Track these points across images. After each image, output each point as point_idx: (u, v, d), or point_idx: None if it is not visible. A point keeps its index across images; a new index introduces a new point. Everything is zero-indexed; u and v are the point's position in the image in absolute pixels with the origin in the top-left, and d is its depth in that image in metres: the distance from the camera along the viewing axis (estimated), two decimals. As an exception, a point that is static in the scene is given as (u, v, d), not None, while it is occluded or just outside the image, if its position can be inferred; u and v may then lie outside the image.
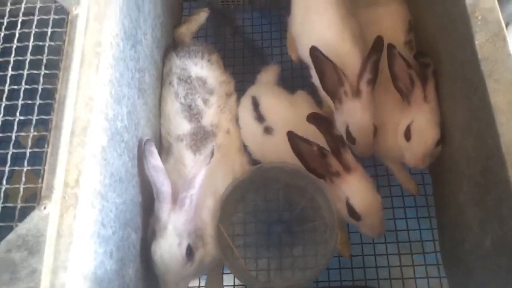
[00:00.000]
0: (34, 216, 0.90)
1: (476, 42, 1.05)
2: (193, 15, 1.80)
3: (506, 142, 0.97)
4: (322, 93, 1.47)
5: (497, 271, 1.08)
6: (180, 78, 1.54)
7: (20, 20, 1.11)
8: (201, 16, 1.79)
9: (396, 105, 1.44)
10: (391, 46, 1.38)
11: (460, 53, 1.18)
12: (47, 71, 1.06)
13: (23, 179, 0.97)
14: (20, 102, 1.03)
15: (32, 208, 0.92)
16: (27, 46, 1.08)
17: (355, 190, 1.30)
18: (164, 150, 1.50)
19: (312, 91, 1.62)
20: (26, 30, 1.10)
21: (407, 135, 1.38)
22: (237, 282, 1.51)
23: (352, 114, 1.39)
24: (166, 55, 1.64)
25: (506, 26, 1.09)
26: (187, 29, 1.75)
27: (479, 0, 1.07)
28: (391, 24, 1.58)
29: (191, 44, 1.66)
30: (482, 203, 1.13)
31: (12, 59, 1.07)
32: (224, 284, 1.51)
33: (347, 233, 1.52)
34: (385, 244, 1.53)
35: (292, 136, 1.32)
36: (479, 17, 1.06)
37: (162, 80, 1.61)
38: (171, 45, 1.71)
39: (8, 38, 1.10)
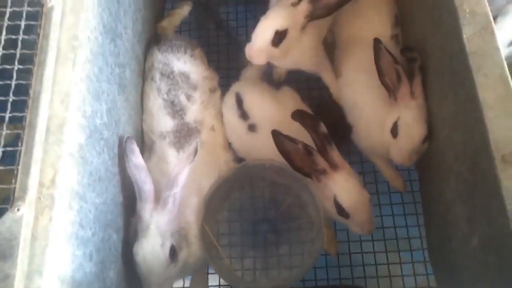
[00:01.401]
0: (7, 219, 0.86)
1: (464, 36, 1.03)
2: (175, 9, 1.75)
3: (495, 138, 0.96)
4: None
5: (484, 268, 1.07)
6: (163, 73, 1.50)
7: (-9, 12, 1.06)
8: (184, 10, 1.74)
9: (382, 100, 1.41)
10: (377, 41, 1.36)
11: (448, 47, 1.17)
12: (20, 66, 1.01)
13: (-5, 179, 0.92)
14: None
15: (5, 210, 0.88)
16: (-1, 40, 1.03)
17: (342, 187, 1.28)
18: (146, 147, 1.46)
19: (297, 87, 1.59)
20: (-2, 23, 1.05)
21: (394, 131, 1.36)
22: (222, 282, 1.48)
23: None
24: (148, 49, 1.60)
25: (494, 19, 1.07)
26: (170, 23, 1.71)
27: (468, -8, 1.05)
28: (377, 18, 1.56)
29: (173, 38, 1.62)
30: (470, 200, 1.12)
31: (-16, 53, 1.02)
32: (210, 284, 1.48)
33: (333, 231, 1.51)
34: (372, 242, 1.51)
35: (276, 135, 1.29)
36: (467, 10, 1.04)
37: (144, 75, 1.56)
38: (153, 40, 1.67)
39: (-20, 32, 1.05)
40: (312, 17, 1.37)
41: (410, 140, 1.34)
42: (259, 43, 1.35)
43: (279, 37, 1.34)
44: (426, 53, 1.36)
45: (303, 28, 1.38)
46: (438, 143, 1.32)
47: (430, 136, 1.35)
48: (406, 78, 1.35)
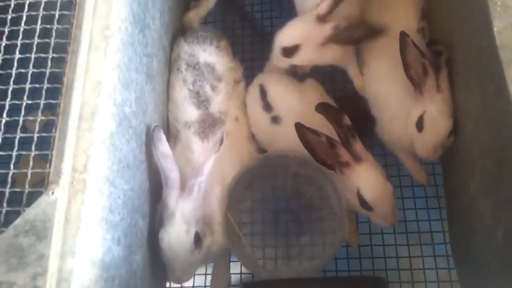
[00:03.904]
0: (42, 201, 0.89)
1: (495, 29, 1.01)
2: (201, 1, 1.77)
3: (523, 132, 0.95)
4: None
5: (508, 263, 1.06)
6: (189, 64, 1.52)
7: (27, 2, 1.09)
8: (210, 2, 1.75)
9: (407, 94, 1.41)
10: (404, 34, 1.35)
11: (476, 40, 1.16)
12: (54, 55, 1.04)
13: (31, 163, 0.95)
14: (28, 85, 1.02)
15: (39, 193, 0.91)
16: (35, 29, 1.06)
17: (365, 180, 1.28)
18: (171, 137, 1.48)
19: (321, 79, 1.59)
20: (33, 13, 1.08)
21: (419, 125, 1.35)
22: (244, 270, 1.50)
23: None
24: (175, 40, 1.62)
25: None
26: (196, 15, 1.72)
27: (499, -15, 1.04)
28: (404, 11, 1.55)
29: (199, 29, 1.64)
30: (495, 194, 1.11)
31: (19, 42, 1.05)
32: (231, 272, 1.51)
33: (355, 223, 1.51)
34: (394, 235, 1.51)
35: (300, 127, 1.29)
36: (498, 3, 1.02)
37: (170, 66, 1.59)
38: (179, 31, 1.69)
39: (15, 21, 1.08)
40: (332, 41, 1.38)
41: (435, 134, 1.33)
42: (276, 51, 1.43)
43: (288, 52, 1.39)
44: (453, 46, 1.35)
45: (322, 45, 1.39)
46: (463, 137, 1.31)
47: (455, 130, 1.34)
48: (432, 72, 1.34)
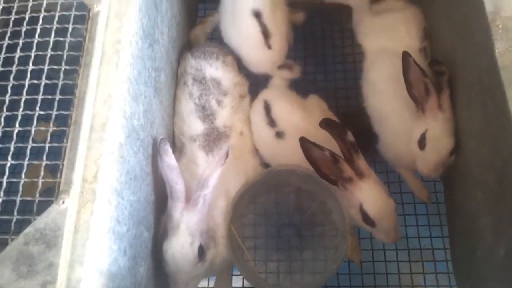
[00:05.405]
0: (52, 210, 0.90)
1: (496, 51, 1.05)
2: (208, 17, 1.81)
3: (525, 151, 0.97)
4: None
5: (511, 280, 1.07)
6: (195, 79, 1.55)
7: (41, 15, 1.11)
8: (216, 18, 1.79)
9: (409, 112, 1.43)
10: (406, 54, 1.38)
11: (478, 60, 1.19)
12: (67, 67, 1.06)
13: (42, 173, 0.97)
14: (40, 96, 1.04)
15: (48, 202, 0.93)
16: (48, 42, 1.09)
17: (368, 196, 1.30)
18: (177, 149, 1.50)
19: (324, 96, 1.62)
20: (47, 26, 1.11)
21: (421, 143, 1.37)
22: (246, 283, 1.51)
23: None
24: (181, 55, 1.65)
25: None
26: (202, 30, 1.76)
27: (500, 8, 1.07)
28: (406, 30, 1.58)
29: (206, 45, 1.67)
30: (497, 211, 1.13)
31: (33, 54, 1.07)
32: (233, 285, 1.51)
33: (357, 239, 1.52)
34: (396, 251, 1.52)
35: (304, 142, 1.31)
36: (500, 25, 1.06)
37: (176, 80, 1.61)
38: (186, 46, 1.72)
39: (30, 33, 1.10)
40: None
41: (437, 153, 1.36)
42: None
43: None
44: (455, 66, 1.38)
45: None
46: (465, 154, 1.33)
47: (457, 149, 1.36)
48: (434, 91, 1.36)
